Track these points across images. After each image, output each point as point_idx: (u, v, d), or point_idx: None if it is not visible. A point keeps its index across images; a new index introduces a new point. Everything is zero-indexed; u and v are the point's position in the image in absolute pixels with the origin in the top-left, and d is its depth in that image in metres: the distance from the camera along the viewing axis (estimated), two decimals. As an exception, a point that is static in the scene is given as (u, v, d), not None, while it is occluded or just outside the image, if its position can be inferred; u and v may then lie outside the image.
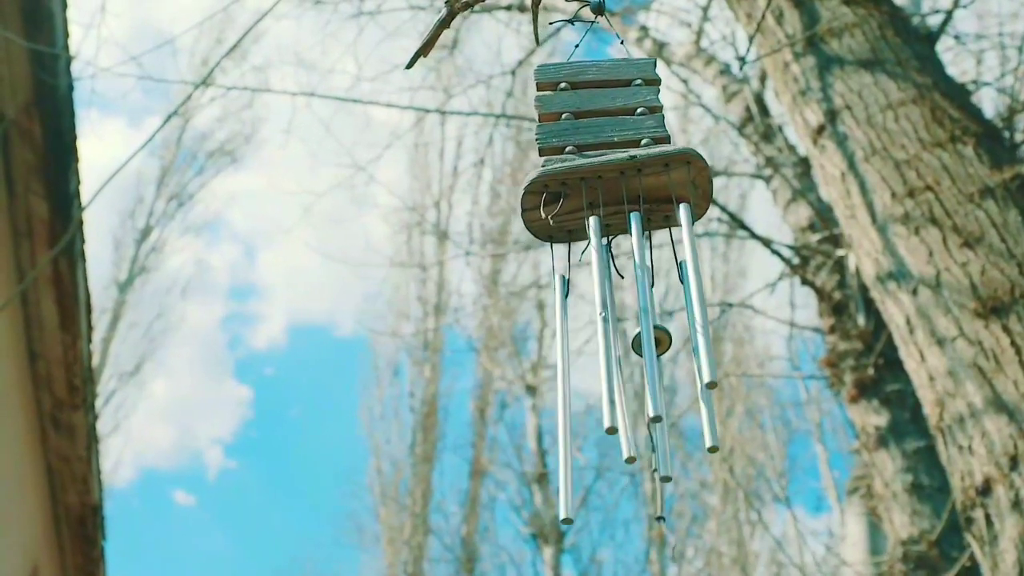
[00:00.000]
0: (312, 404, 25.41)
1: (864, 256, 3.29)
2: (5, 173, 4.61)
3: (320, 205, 27.15)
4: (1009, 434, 2.61)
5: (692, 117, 10.82)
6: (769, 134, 6.13)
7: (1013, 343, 2.71)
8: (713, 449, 1.13)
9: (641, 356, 1.19)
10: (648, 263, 1.25)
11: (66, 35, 4.47)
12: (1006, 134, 3.82)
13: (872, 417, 5.06)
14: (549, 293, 12.55)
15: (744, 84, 6.30)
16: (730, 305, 7.74)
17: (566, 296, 1.28)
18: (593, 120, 1.35)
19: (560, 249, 1.34)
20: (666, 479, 1.13)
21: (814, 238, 5.68)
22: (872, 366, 5.13)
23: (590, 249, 1.27)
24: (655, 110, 1.36)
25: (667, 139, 1.32)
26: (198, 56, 15.84)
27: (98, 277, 15.29)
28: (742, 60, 4.60)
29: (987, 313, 2.79)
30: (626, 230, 1.29)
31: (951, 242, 2.97)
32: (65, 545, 5.75)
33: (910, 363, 3.03)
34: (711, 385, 1.12)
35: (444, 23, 1.19)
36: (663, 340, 1.21)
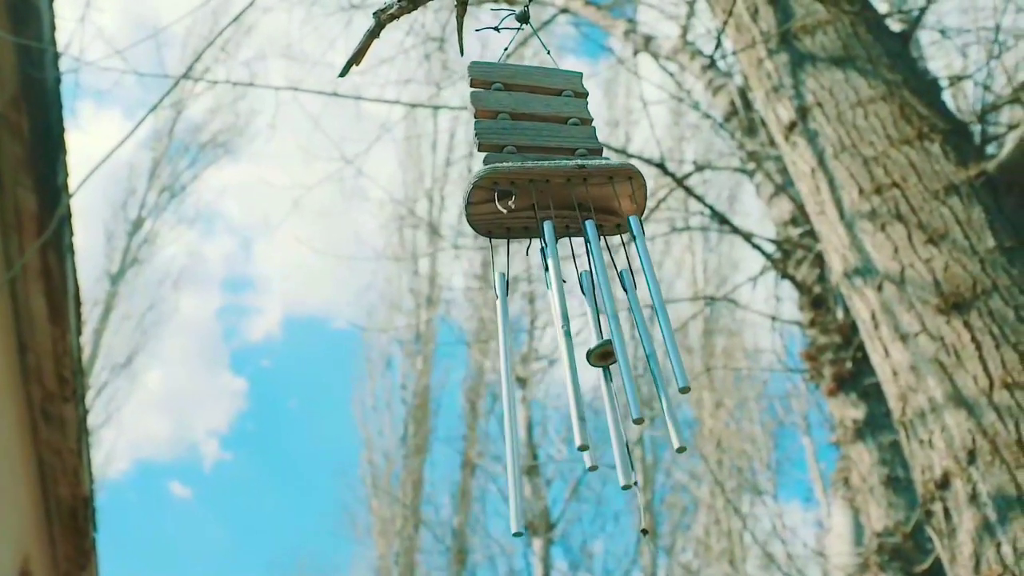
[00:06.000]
0: (307, 396, 25.49)
1: (832, 252, 3.33)
2: (-8, 167, 4.64)
3: (312, 198, 27.17)
4: (968, 428, 2.66)
5: (682, 111, 10.87)
6: (753, 128, 6.15)
7: (974, 339, 2.76)
8: (681, 449, 1.19)
9: (594, 367, 1.22)
10: (602, 270, 1.27)
11: (53, 29, 4.49)
12: (982, 128, 3.86)
13: (850, 410, 5.08)
14: (539, 285, 12.58)
15: (728, 79, 6.32)
16: (713, 299, 7.76)
17: (506, 294, 1.31)
18: (530, 123, 1.37)
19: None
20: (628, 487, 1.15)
21: (795, 232, 5.71)
22: (850, 360, 5.16)
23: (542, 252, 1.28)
24: (586, 122, 1.39)
25: (601, 150, 1.36)
26: (191, 50, 15.86)
27: (90, 269, 15.33)
28: (711, 57, 4.64)
29: (949, 309, 2.83)
30: (564, 236, 1.33)
31: (916, 238, 3.01)
32: (56, 537, 5.79)
33: (875, 358, 3.07)
34: (685, 390, 1.18)
35: (373, 33, 1.24)
36: (610, 353, 1.22)
